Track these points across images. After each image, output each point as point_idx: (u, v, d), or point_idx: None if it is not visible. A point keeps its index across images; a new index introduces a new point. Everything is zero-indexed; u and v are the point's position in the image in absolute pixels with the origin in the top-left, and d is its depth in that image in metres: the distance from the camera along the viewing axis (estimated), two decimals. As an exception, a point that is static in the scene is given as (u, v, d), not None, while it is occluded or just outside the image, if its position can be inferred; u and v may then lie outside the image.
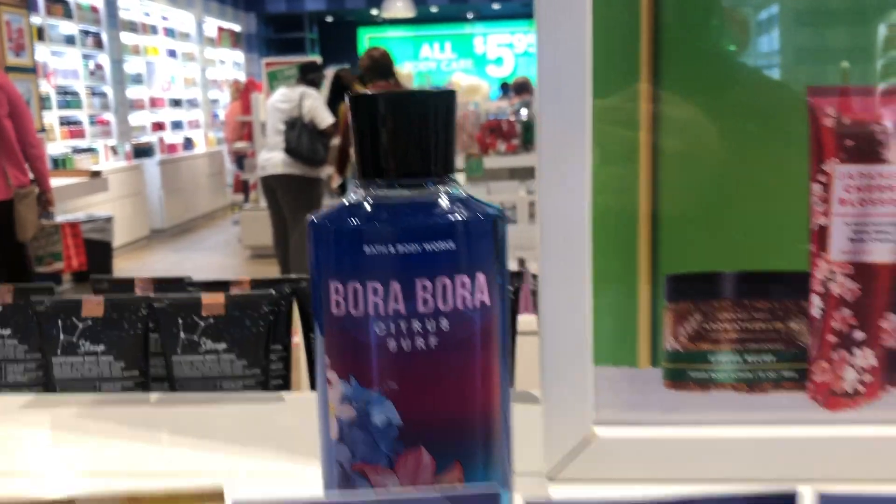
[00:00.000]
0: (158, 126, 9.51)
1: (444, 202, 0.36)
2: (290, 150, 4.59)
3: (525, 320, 0.70)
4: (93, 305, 0.66)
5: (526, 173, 3.56)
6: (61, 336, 0.66)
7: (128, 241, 7.75)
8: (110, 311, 0.66)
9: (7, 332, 0.71)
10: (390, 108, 0.35)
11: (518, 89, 5.72)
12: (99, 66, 8.42)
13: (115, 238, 6.88)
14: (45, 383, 0.69)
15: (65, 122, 7.87)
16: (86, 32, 8.20)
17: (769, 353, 0.45)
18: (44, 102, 7.11)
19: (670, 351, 0.45)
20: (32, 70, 6.51)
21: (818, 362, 0.45)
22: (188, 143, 10.01)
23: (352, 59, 9.42)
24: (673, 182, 0.44)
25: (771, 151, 0.44)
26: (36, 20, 7.10)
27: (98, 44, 8.38)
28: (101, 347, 0.65)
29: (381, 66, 4.32)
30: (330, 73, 5.56)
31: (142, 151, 8.80)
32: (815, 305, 0.44)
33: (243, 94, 7.88)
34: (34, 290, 0.71)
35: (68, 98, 7.98)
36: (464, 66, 12.08)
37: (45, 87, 7.40)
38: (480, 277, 0.35)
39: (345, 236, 0.35)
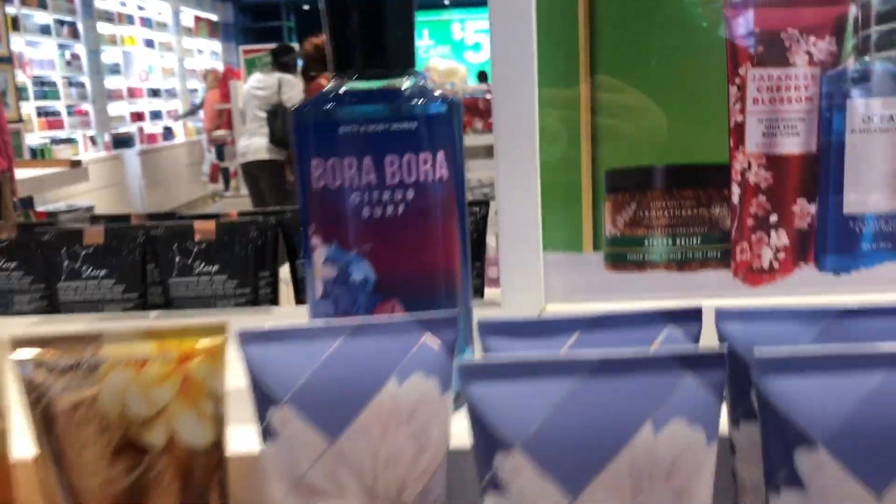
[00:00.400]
0: (138, 116, 9.48)
1: (407, 90, 0.42)
2: (275, 140, 4.61)
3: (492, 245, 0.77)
4: (94, 234, 0.71)
5: (503, 151, 3.61)
6: (65, 262, 0.72)
7: (109, 231, 7.72)
8: (110, 239, 0.71)
9: (13, 265, 0.76)
10: (358, 9, 0.41)
11: (495, 70, 5.78)
12: (75, 56, 8.38)
13: (96, 228, 6.86)
14: (50, 311, 0.75)
15: (42, 112, 7.83)
16: (61, 22, 8.15)
17: (696, 237, 0.51)
18: (20, 93, 7.07)
19: (610, 237, 0.52)
20: (9, 60, 6.47)
21: (739, 243, 0.51)
22: (168, 133, 9.98)
23: (330, 47, 9.40)
24: (610, 87, 0.50)
25: (695, 60, 0.51)
26: (10, 10, 7.05)
27: (74, 34, 8.34)
28: (102, 272, 0.71)
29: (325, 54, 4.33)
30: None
31: (121, 142, 8.78)
32: (735, 193, 0.51)
33: (222, 81, 7.87)
34: (37, 225, 0.77)
35: (45, 89, 7.94)
36: (441, 52, 12.10)
37: (22, 77, 7.36)
38: (440, 155, 0.42)
39: (322, 119, 0.41)
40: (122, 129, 8.92)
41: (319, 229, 0.42)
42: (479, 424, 0.31)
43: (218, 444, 0.39)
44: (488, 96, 3.75)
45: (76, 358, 0.37)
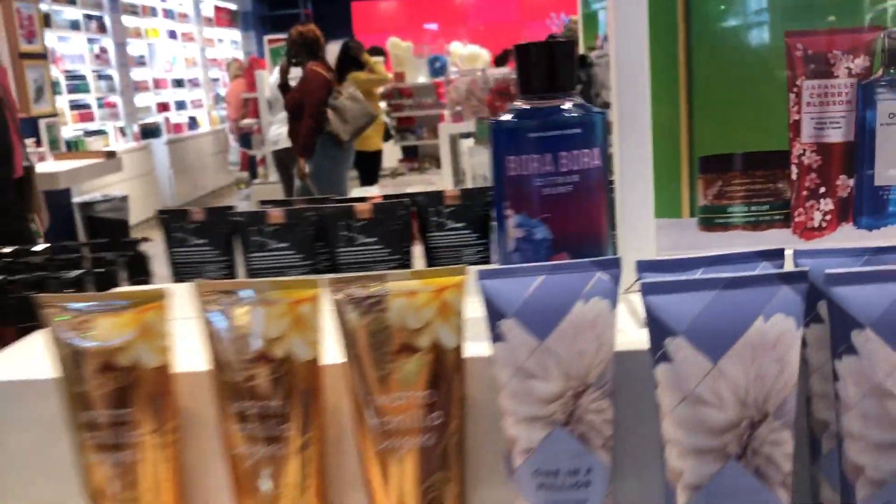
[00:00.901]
0: (163, 107, 9.71)
1: (571, 107, 0.61)
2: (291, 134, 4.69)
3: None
4: (276, 214, 0.91)
5: (534, 134, 3.77)
6: (253, 238, 0.91)
7: (141, 220, 7.97)
8: (289, 218, 0.91)
9: (203, 240, 0.96)
10: (540, 53, 0.60)
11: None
12: (104, 50, 8.60)
13: (129, 217, 7.10)
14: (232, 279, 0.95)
15: (74, 105, 8.07)
16: (89, 17, 8.36)
17: (765, 205, 0.70)
18: (54, 87, 7.30)
19: (702, 206, 0.71)
20: (44, 56, 6.69)
21: (797, 209, 0.70)
22: (192, 123, 10.21)
23: (347, 33, 9.60)
24: (704, 99, 0.69)
25: (765, 76, 0.69)
26: (42, 7, 7.25)
27: (101, 28, 8.56)
28: (284, 244, 0.91)
29: (310, 42, 4.30)
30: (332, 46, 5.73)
31: (149, 132, 9.01)
32: (794, 172, 0.70)
33: (247, 71, 8.05)
34: (224, 208, 0.96)
35: (76, 82, 8.17)
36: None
37: (55, 72, 7.57)
38: (595, 150, 0.61)
39: (515, 127, 0.60)
40: (149, 120, 9.16)
41: (512, 204, 0.61)
42: (654, 319, 0.50)
43: (459, 349, 0.58)
44: (519, 82, 3.90)
45: (371, 291, 0.56)
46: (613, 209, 0.62)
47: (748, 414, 0.49)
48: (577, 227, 0.61)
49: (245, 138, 8.52)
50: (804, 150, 0.69)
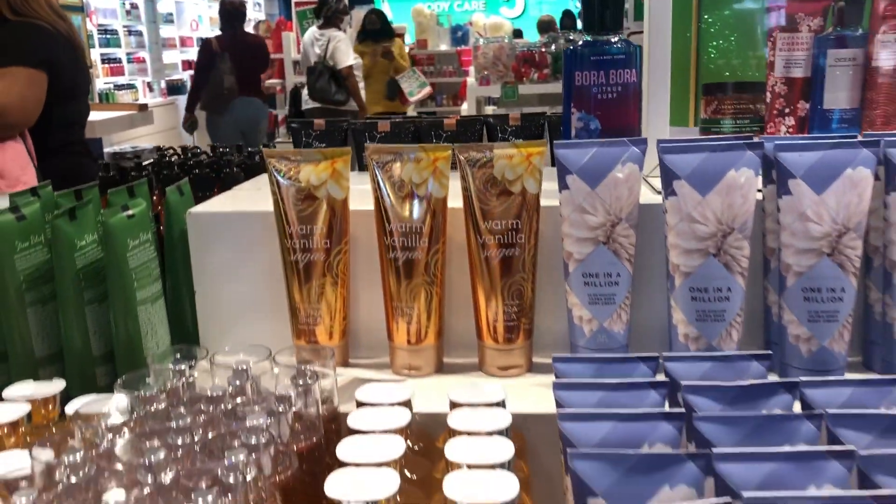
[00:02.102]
0: (188, 64, 9.98)
1: (619, 39, 0.91)
2: (311, 95, 4.93)
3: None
4: (384, 125, 1.22)
5: (555, 99, 4.09)
6: (366, 142, 1.22)
7: (168, 173, 8.22)
8: (394, 128, 1.22)
9: (324, 144, 1.27)
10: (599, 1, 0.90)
11: (545, 27, 6.23)
12: (134, 6, 8.85)
13: (160, 169, 7.36)
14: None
15: (105, 59, 8.34)
16: (122, -28, 8.61)
17: (747, 119, 1.01)
18: (88, 40, 7.58)
19: (703, 118, 1.01)
20: (81, 9, 6.96)
21: (769, 123, 1.01)
22: (216, 82, 10.47)
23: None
24: (708, 42, 0.99)
25: (753, 28, 0.99)
26: (78, -40, 7.49)
27: (133, -17, 8.81)
28: (389, 146, 1.21)
29: (230, 12, 4.72)
30: (357, 14, 5.95)
31: (175, 88, 9.28)
32: (768, 97, 1.00)
33: (275, 32, 8.30)
34: (337, 120, 1.27)
35: (108, 37, 8.43)
36: (476, 6, 12.38)
37: (88, 25, 7.82)
38: (633, 70, 0.91)
39: (582, 52, 0.90)
40: (175, 77, 9.44)
41: (576, 104, 0.92)
42: (666, 169, 0.81)
43: (538, 195, 0.89)
44: (543, 49, 4.21)
45: (483, 154, 0.87)
46: (642, 111, 0.93)
47: (721, 228, 0.80)
48: (618, 122, 0.92)
49: (269, 98, 8.73)
50: (776, 81, 0.99)
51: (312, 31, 5.13)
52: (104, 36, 8.37)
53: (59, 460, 0.60)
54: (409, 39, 8.10)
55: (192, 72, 9.82)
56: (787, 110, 1.00)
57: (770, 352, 0.75)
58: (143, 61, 9.07)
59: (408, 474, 0.71)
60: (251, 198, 1.07)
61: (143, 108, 6.54)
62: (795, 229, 0.80)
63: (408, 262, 0.90)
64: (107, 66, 8.40)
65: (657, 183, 0.88)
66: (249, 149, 1.58)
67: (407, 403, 0.76)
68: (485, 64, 4.24)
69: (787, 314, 0.82)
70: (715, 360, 0.74)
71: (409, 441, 0.73)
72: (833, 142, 0.80)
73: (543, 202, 0.90)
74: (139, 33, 8.97)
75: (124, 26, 8.72)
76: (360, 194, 0.94)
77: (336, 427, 0.79)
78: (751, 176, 0.80)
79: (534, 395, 0.86)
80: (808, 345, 0.81)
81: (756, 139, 0.81)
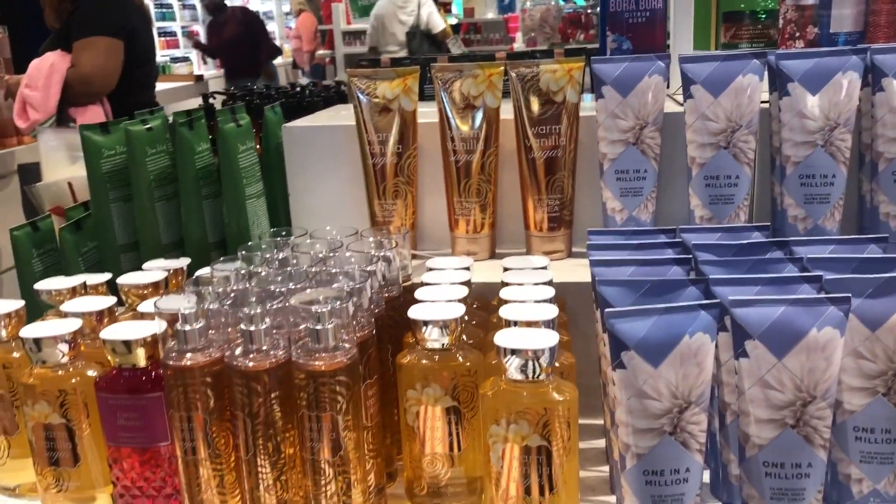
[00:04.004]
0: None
1: (647, -28, 1.07)
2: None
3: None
4: (443, 58, 1.38)
5: (599, 60, 4.20)
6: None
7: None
8: (452, 60, 1.38)
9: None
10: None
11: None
12: (188, -19, 9.13)
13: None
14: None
15: (162, 32, 8.64)
16: (177, -52, 8.88)
17: (762, 43, 1.15)
18: (146, 14, 7.86)
19: (723, 43, 1.16)
20: (139, -17, 7.22)
21: (781, 46, 1.15)
22: (267, 54, 10.72)
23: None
24: (725, -26, 1.14)
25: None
26: (138, -63, 7.74)
27: (186, -43, 9.07)
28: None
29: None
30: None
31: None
32: (780, 22, 1.14)
33: (324, 4, 8.49)
34: (402, 58, 1.44)
35: (164, 10, 8.73)
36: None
37: None
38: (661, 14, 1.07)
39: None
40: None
41: (610, 27, 1.08)
42: (685, 75, 0.97)
43: (578, 104, 1.05)
44: (588, 11, 4.32)
45: (531, 70, 1.03)
46: (667, 34, 1.09)
47: (731, 125, 0.96)
48: (647, 43, 1.07)
49: (316, 69, 8.93)
50: (788, 8, 1.14)
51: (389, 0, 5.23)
52: (160, 10, 8.65)
53: (203, 294, 0.79)
54: (457, 9, 8.22)
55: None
56: (797, 34, 1.14)
57: (769, 223, 0.91)
58: (197, 35, 9.34)
59: (468, 318, 0.88)
60: (334, 117, 1.25)
61: (199, 78, 6.80)
62: (793, 125, 0.95)
63: (466, 163, 1.07)
64: (163, 39, 8.69)
65: (681, 99, 1.04)
66: (325, 82, 1.76)
67: (468, 268, 0.94)
68: (531, 26, 4.36)
69: (787, 199, 0.97)
70: (723, 231, 0.90)
71: (468, 300, 0.91)
72: (826, 50, 0.95)
73: (580, 114, 1.06)
74: (192, 7, 9.23)
75: (179, 0, 8.99)
76: (425, 114, 1.11)
77: (411, 292, 0.97)
78: (755, 80, 0.95)
79: (573, 271, 1.03)
80: (804, 223, 0.97)
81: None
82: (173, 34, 8.89)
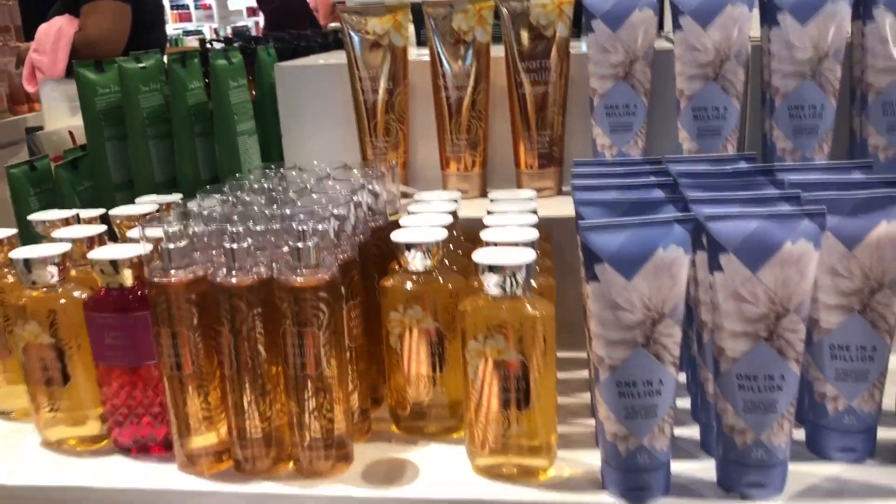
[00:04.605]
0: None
1: None
2: None
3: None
4: (438, 5, 1.38)
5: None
6: (423, 20, 1.39)
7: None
8: (447, 7, 1.38)
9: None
10: None
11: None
12: (200, -48, 9.11)
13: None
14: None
15: (174, 6, 8.64)
16: (189, -81, 8.85)
17: None
18: (158, -14, 7.87)
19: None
20: (151, -45, 7.22)
21: None
22: (279, 27, 10.72)
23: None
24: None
25: None
26: None
27: (199, -70, 9.04)
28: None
29: None
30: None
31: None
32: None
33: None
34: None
35: (176, -17, 8.72)
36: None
37: (158, -28, 8.07)
38: (651, -67, 1.06)
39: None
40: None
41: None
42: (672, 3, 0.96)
43: (567, 38, 1.05)
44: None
45: (518, 4, 1.03)
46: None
47: (719, 56, 0.95)
48: None
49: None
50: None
51: None
52: (173, -17, 8.64)
53: (188, 216, 0.80)
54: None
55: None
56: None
57: (755, 153, 0.91)
58: (210, 8, 9.34)
59: (453, 248, 0.89)
60: (327, 58, 1.26)
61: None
62: (782, 56, 0.95)
63: (458, 100, 1.07)
64: (175, 12, 8.69)
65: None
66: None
67: (455, 200, 0.95)
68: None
69: (776, 131, 0.97)
70: (710, 161, 0.90)
71: (454, 231, 0.92)
72: (815, -20, 0.94)
73: (572, 52, 1.06)
74: (205, -20, 9.22)
75: (192, -27, 8.98)
76: (419, 56, 1.11)
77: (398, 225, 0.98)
78: (745, 11, 0.95)
79: (561, 206, 1.03)
80: (792, 156, 0.97)
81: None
82: (185, 7, 8.89)
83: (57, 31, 2.58)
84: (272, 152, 1.19)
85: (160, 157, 1.11)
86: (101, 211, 1.00)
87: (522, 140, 1.08)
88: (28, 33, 2.90)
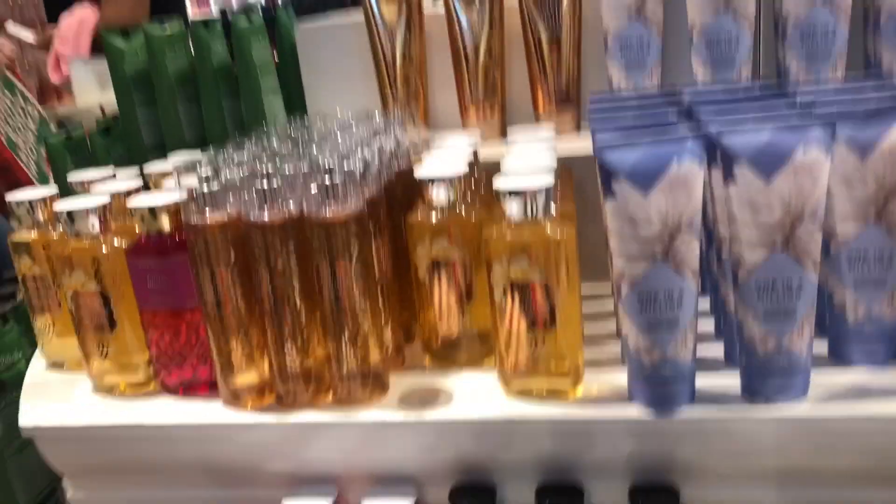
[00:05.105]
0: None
1: None
2: None
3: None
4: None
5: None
6: None
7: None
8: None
9: None
10: None
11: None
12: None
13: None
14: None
15: (191, -5, 8.71)
16: None
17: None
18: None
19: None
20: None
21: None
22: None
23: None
24: None
25: None
26: None
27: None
28: None
29: None
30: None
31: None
32: None
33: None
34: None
35: (192, -27, 8.77)
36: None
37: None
38: None
39: None
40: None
41: None
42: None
43: (579, -19, 1.06)
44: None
45: (532, -53, 1.05)
46: None
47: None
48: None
49: None
50: None
51: None
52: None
53: (220, 161, 0.84)
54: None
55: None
56: None
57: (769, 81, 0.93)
58: (226, -5, 9.39)
59: (474, 189, 0.92)
60: (346, 17, 1.28)
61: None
62: (793, -18, 0.96)
63: (474, 47, 1.09)
64: None
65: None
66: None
67: (474, 140, 0.97)
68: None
69: (789, 57, 0.98)
70: (724, 89, 0.92)
71: (475, 170, 0.94)
72: None
73: (585, -9, 1.08)
74: (220, -32, 9.26)
75: (206, -38, 9.02)
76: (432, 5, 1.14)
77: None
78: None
79: (580, 144, 1.05)
80: (807, 80, 0.98)
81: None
82: (202, -4, 8.94)
83: (79, 24, 2.63)
84: (294, 111, 1.23)
85: (189, 118, 1.15)
86: (136, 169, 1.04)
87: (539, 83, 1.10)
88: (51, 19, 2.96)
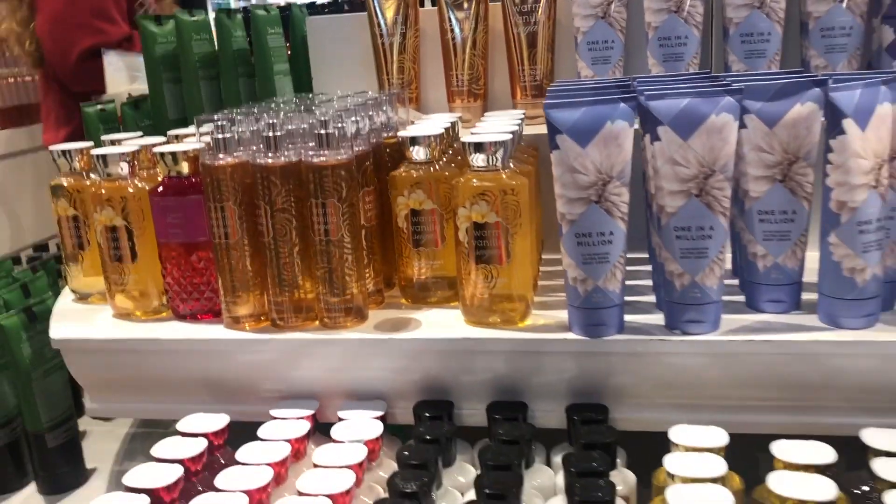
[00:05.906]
0: None
1: None
2: None
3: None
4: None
5: None
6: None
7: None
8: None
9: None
10: None
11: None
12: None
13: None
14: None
15: None
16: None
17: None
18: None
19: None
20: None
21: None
22: None
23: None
24: None
25: None
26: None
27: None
28: None
29: None
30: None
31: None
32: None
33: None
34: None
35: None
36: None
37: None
38: None
39: None
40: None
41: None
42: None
43: (554, -13, 1.22)
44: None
45: (514, -45, 1.21)
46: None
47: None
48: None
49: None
50: None
51: None
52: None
53: (233, 116, 0.99)
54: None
55: None
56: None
57: (709, 70, 1.07)
58: None
59: (453, 155, 1.06)
60: (352, 11, 1.45)
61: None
62: (735, -10, 1.11)
63: (463, 40, 1.25)
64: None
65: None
66: None
67: (454, 119, 1.12)
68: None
69: (730, 56, 1.13)
70: (670, 76, 1.07)
71: (455, 140, 1.09)
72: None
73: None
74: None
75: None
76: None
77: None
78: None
79: (550, 128, 1.20)
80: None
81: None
82: None
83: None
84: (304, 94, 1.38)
85: (209, 95, 1.31)
86: (162, 138, 1.19)
87: (517, 75, 1.25)
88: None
